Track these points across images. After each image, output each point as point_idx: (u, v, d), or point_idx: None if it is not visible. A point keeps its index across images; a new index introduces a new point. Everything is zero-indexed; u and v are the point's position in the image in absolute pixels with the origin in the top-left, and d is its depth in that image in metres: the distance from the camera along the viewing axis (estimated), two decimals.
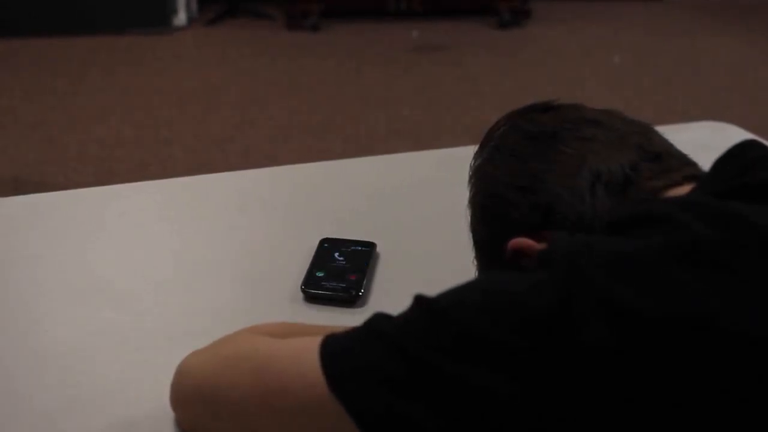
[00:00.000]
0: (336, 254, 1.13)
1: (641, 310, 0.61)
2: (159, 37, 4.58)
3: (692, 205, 0.69)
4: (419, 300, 0.68)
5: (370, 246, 1.15)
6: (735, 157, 0.77)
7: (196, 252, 1.18)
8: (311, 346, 0.70)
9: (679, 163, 0.82)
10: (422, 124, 3.56)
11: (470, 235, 0.90)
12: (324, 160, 1.52)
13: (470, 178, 0.90)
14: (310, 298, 1.06)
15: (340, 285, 1.07)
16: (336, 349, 0.69)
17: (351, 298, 1.06)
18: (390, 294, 1.07)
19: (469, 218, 0.90)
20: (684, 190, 0.78)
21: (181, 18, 4.76)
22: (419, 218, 1.26)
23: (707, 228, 0.65)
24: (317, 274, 1.09)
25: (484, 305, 0.65)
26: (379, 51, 4.45)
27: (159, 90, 3.91)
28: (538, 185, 0.82)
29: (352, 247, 1.15)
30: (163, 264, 1.16)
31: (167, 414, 0.84)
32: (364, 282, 1.08)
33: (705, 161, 0.82)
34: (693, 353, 0.60)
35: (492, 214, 0.86)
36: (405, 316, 0.68)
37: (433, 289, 0.69)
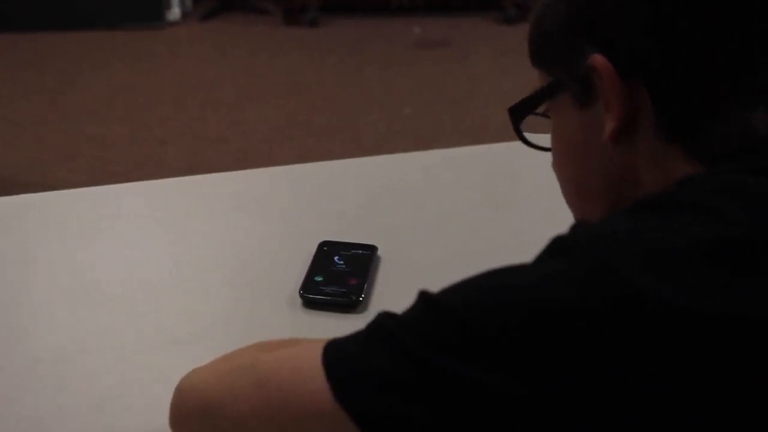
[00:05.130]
0: (336, 258, 1.11)
1: (671, 307, 0.58)
2: (152, 32, 4.56)
3: (740, 195, 0.65)
4: (424, 297, 0.66)
5: (371, 249, 1.13)
6: None
7: (191, 255, 1.17)
8: (313, 353, 0.67)
9: None
10: (424, 124, 3.54)
11: (535, 20, 0.80)
12: (323, 160, 1.50)
13: None
14: (309, 304, 1.04)
15: (340, 290, 1.05)
16: (339, 354, 0.67)
17: (351, 304, 1.04)
18: (392, 299, 1.03)
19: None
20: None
21: (174, 12, 4.74)
22: (422, 220, 1.25)
23: (754, 226, 0.62)
24: (316, 278, 1.07)
25: (495, 302, 0.62)
26: (379, 47, 4.43)
27: (153, 87, 3.88)
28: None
29: (353, 251, 1.13)
30: (157, 267, 1.14)
31: (162, 419, 0.81)
32: (365, 287, 1.06)
33: None
34: (728, 356, 0.57)
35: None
36: (410, 315, 0.66)
37: None
